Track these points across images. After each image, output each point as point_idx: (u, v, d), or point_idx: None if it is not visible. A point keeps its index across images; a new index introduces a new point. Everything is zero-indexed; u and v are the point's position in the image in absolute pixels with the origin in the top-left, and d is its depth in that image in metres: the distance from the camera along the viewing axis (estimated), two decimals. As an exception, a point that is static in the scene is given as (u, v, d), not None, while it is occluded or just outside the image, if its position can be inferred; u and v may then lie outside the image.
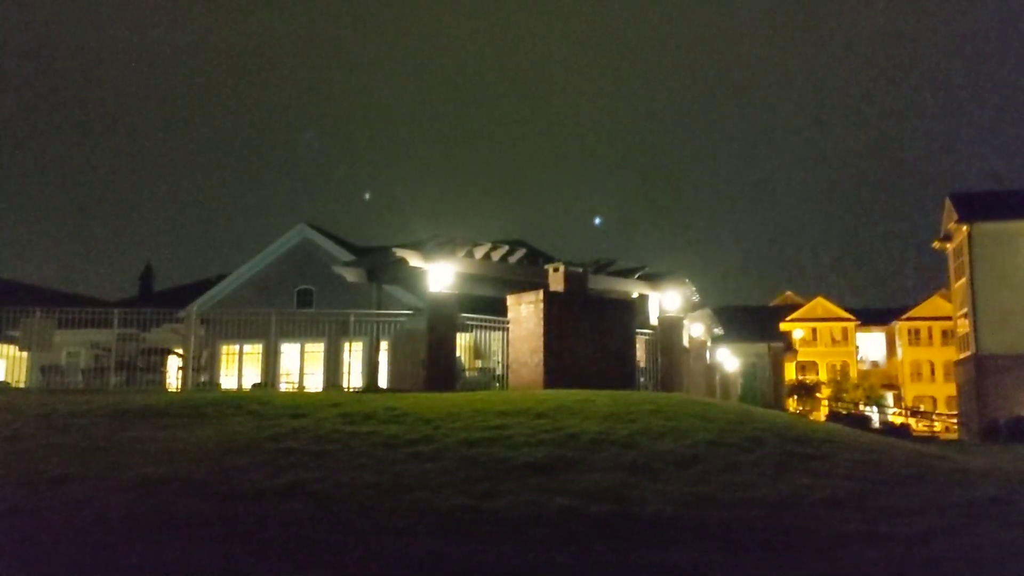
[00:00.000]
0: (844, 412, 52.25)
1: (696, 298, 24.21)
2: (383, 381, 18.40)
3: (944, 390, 66.63)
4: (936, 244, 43.43)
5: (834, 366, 73.23)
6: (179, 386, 19.07)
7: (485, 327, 17.99)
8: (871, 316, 77.55)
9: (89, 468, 9.01)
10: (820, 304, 77.10)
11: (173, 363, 20.60)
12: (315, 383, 23.30)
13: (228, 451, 9.51)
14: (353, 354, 20.44)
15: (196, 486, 8.39)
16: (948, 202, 41.08)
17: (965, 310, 38.93)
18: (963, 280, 39.11)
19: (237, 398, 12.88)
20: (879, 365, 78.05)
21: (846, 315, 76.46)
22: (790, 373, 61.69)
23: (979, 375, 36.78)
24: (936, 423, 54.98)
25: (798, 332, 72.18)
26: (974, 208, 38.77)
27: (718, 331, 34.22)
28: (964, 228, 38.13)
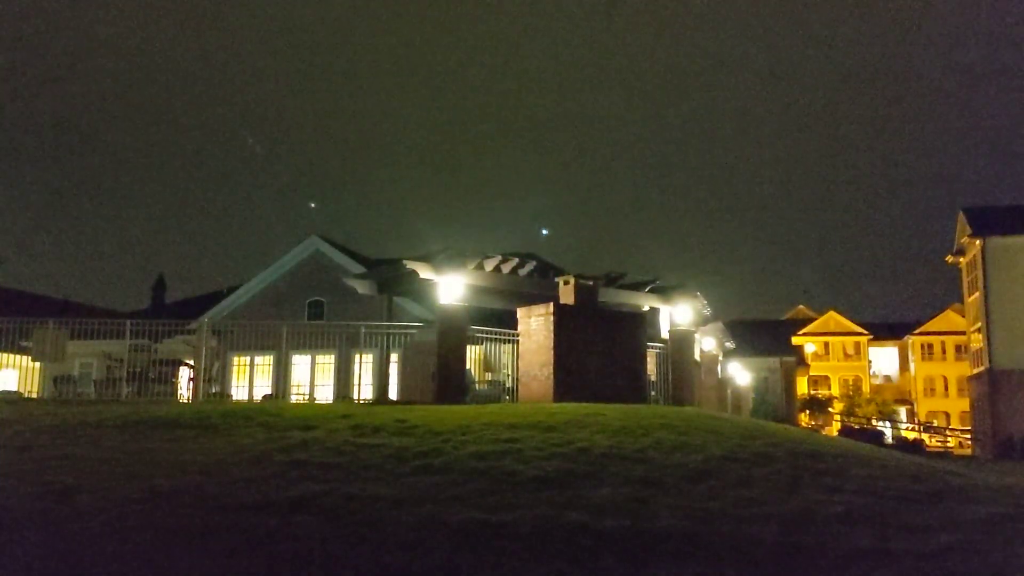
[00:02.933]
0: (857, 427, 51.97)
1: (707, 311, 24.15)
2: (393, 393, 18.42)
3: (958, 405, 66.19)
4: (949, 258, 43.25)
5: (846, 380, 72.84)
6: (190, 397, 19.13)
7: (495, 340, 17.98)
8: (884, 330, 77.13)
9: (100, 479, 9.02)
10: (832, 318, 76.75)
11: (185, 374, 20.67)
12: (326, 395, 23.33)
13: (238, 463, 9.51)
14: (364, 366, 20.47)
15: (206, 498, 8.39)
16: (961, 216, 40.93)
17: (979, 325, 38.72)
18: (976, 294, 38.92)
19: (248, 410, 12.90)
20: (892, 380, 77.57)
21: (859, 329, 76.07)
22: (802, 387, 61.44)
23: (993, 390, 36.56)
24: (950, 438, 54.60)
25: (810, 346, 71.89)
26: (987, 222, 38.62)
27: (730, 345, 34.12)
28: (977, 242, 37.98)
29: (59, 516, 7.99)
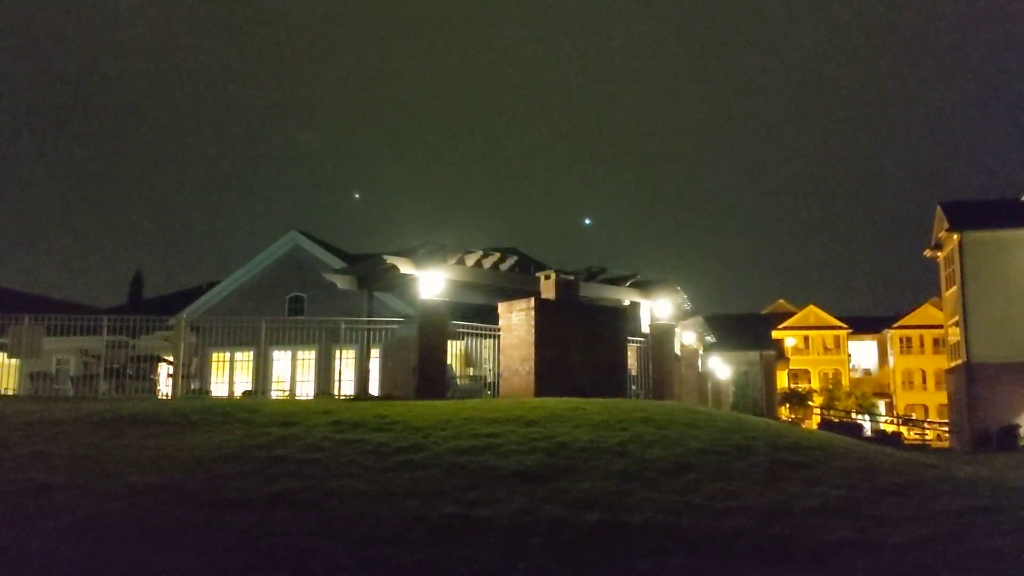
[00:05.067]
0: (836, 420, 52.37)
1: (688, 306, 24.23)
2: (374, 389, 18.36)
3: (936, 398, 66.82)
4: (927, 252, 43.53)
5: (826, 374, 73.34)
6: (169, 394, 18.99)
7: (476, 335, 17.96)
8: (863, 324, 77.73)
9: (77, 476, 8.95)
10: (812, 312, 77.22)
11: (163, 370, 20.51)
12: (307, 391, 23.23)
13: (217, 459, 9.46)
14: (345, 362, 20.40)
15: (185, 494, 8.35)
16: (939, 210, 41.21)
17: (956, 318, 39.05)
18: (954, 288, 39.23)
19: (227, 406, 12.83)
20: (871, 373, 78.22)
21: (838, 323, 76.61)
22: (782, 381, 61.83)
23: (970, 383, 36.85)
24: (928, 431, 55.08)
25: (790, 340, 72.33)
26: (965, 217, 38.87)
27: (710, 339, 34.27)
28: (955, 236, 38.25)
29: (35, 513, 7.92)
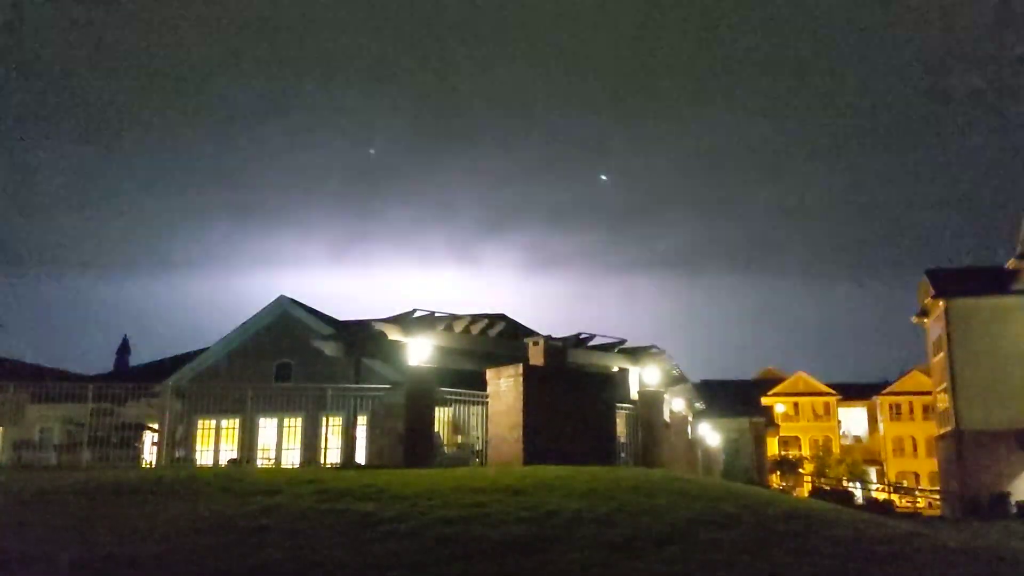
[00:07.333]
0: (827, 488, 51.99)
1: (677, 372, 24.24)
2: (361, 457, 18.20)
3: (927, 465, 66.41)
4: (914, 319, 43.85)
5: (817, 441, 72.88)
6: (154, 462, 18.79)
7: (464, 401, 17.88)
8: (852, 391, 77.51)
9: (58, 547, 8.79)
10: (801, 379, 77.08)
11: (148, 438, 20.31)
12: (293, 459, 22.97)
13: (201, 530, 9.33)
14: (332, 429, 20.21)
15: (167, 566, 8.21)
16: (925, 278, 41.62)
17: (944, 385, 39.16)
18: (941, 355, 39.43)
19: (212, 474, 12.70)
20: (861, 440, 77.77)
21: (828, 390, 76.41)
22: (773, 448, 61.45)
23: (960, 450, 36.82)
24: (919, 499, 54.69)
25: (780, 407, 72.06)
26: (950, 284, 39.30)
27: (699, 406, 34.19)
28: (940, 304, 38.59)
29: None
